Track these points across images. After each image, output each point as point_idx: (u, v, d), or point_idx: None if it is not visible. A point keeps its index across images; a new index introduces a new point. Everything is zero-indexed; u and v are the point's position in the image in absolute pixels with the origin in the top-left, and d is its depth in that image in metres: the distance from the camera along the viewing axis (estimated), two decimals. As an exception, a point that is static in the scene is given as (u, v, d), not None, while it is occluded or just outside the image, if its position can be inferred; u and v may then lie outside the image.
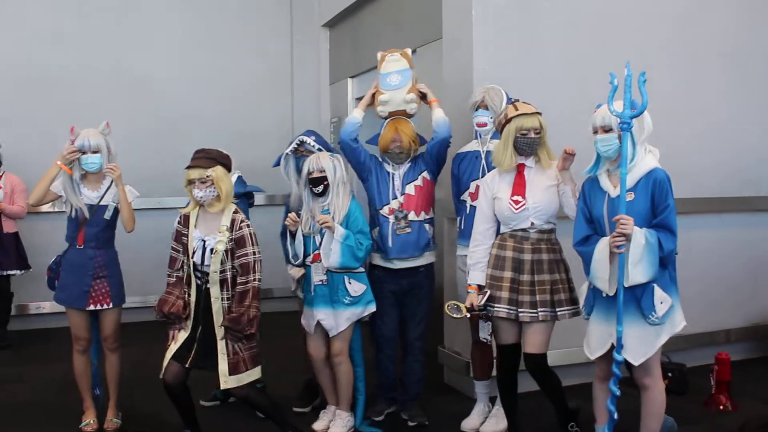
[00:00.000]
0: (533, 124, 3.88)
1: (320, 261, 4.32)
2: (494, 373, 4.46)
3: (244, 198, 4.80)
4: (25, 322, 7.19)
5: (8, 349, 6.59)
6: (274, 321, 6.13)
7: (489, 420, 4.51)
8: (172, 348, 3.98)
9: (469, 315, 4.02)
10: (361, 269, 4.40)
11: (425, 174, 4.56)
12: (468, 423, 4.52)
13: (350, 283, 4.34)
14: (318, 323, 4.37)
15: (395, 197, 4.52)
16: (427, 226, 4.54)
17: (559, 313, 3.92)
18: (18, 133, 7.15)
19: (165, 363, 3.97)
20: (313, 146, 4.62)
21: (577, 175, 3.94)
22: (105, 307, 4.41)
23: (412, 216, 4.49)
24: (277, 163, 4.78)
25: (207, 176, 3.92)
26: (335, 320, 4.34)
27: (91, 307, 4.38)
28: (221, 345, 3.93)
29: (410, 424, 4.60)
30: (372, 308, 4.43)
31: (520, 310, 3.89)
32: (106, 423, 4.52)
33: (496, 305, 3.93)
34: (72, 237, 4.42)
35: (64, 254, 4.45)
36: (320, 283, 4.35)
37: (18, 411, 4.91)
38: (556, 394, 4.00)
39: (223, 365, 3.91)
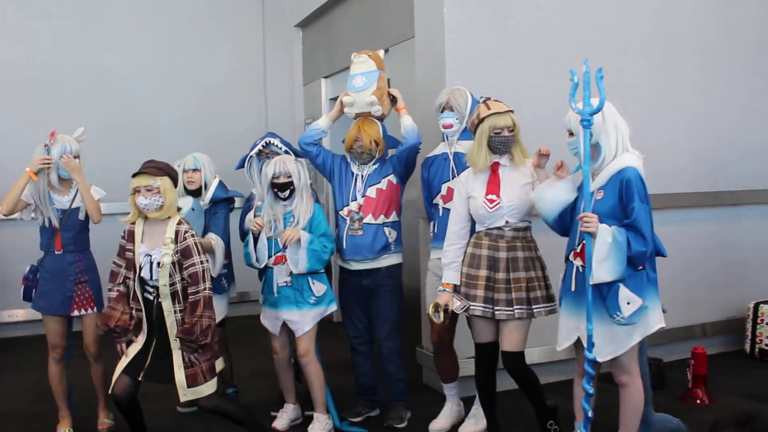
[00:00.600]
0: (506, 122, 3.87)
1: (284, 263, 4.36)
2: (467, 373, 4.49)
3: (225, 203, 4.75)
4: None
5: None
6: (252, 324, 6.07)
7: (468, 420, 4.50)
8: (123, 362, 3.95)
9: (448, 318, 4.02)
10: (321, 270, 4.45)
11: (391, 177, 4.55)
12: (436, 424, 4.52)
13: (314, 283, 4.40)
14: (283, 324, 4.41)
15: (354, 199, 4.53)
16: (386, 229, 4.52)
17: (535, 311, 3.91)
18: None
19: (115, 377, 3.94)
20: (280, 148, 4.67)
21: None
22: (89, 311, 4.43)
23: (369, 219, 4.49)
24: (240, 165, 4.80)
25: (154, 185, 3.88)
26: (302, 320, 4.38)
27: (76, 313, 4.39)
28: (177, 357, 3.89)
29: (384, 424, 4.59)
30: (333, 307, 4.49)
31: (496, 308, 3.88)
32: (100, 423, 4.51)
33: (472, 304, 3.92)
34: (48, 243, 4.39)
35: (41, 262, 4.41)
36: (285, 284, 4.38)
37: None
38: (534, 392, 3.99)
39: (180, 377, 3.88)
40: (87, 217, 4.45)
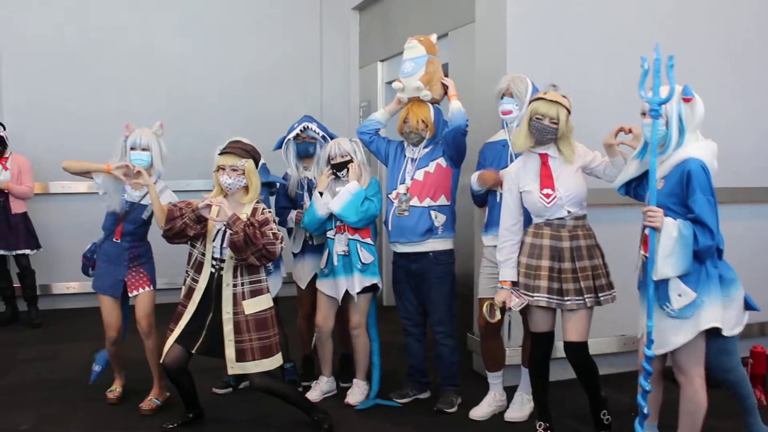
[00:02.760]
0: (549, 111, 3.81)
1: (342, 233, 4.59)
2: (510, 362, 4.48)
3: (265, 187, 4.80)
4: (48, 301, 7.26)
5: (39, 328, 6.68)
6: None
7: (512, 406, 4.50)
8: (175, 332, 4.02)
9: (508, 317, 4.02)
10: (370, 241, 4.64)
11: (440, 161, 4.55)
12: (477, 411, 4.52)
13: (361, 250, 4.61)
14: (327, 298, 4.67)
15: (403, 181, 4.56)
16: (433, 213, 4.52)
17: (602, 299, 3.88)
18: (31, 113, 7.27)
19: (166, 348, 4.02)
20: (317, 132, 4.82)
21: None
22: (143, 290, 4.55)
23: (414, 201, 4.51)
24: (278, 147, 4.92)
25: (239, 165, 3.94)
26: (352, 283, 4.61)
27: (133, 293, 4.54)
28: (228, 330, 3.95)
29: (434, 408, 4.59)
30: (375, 279, 4.66)
31: (566, 298, 3.84)
32: (145, 402, 4.58)
33: (534, 294, 3.88)
34: (109, 230, 4.55)
35: (101, 244, 4.58)
36: (343, 253, 4.58)
37: (54, 389, 5.00)
38: (592, 383, 3.97)
39: (230, 351, 3.96)
40: (150, 216, 4.57)
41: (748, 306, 3.56)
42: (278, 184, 4.91)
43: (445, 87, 4.57)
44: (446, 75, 4.64)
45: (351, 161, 4.60)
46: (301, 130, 4.82)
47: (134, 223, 4.54)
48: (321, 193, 4.60)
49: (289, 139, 4.87)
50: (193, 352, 4.03)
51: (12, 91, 7.29)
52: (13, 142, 6.73)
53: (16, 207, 6.62)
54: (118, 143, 4.52)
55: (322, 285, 4.74)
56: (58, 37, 7.38)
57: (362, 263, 4.59)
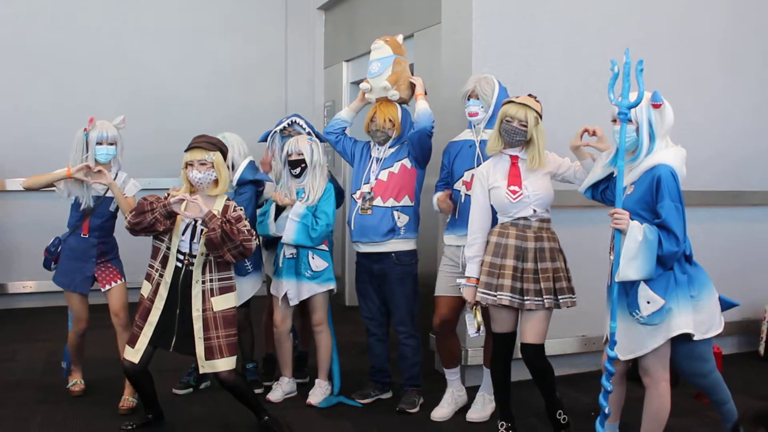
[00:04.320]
0: (518, 113, 3.85)
1: None
2: (472, 362, 4.50)
3: (252, 185, 4.75)
4: (4, 301, 7.14)
5: (-7, 328, 6.56)
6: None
7: (474, 406, 4.51)
8: (146, 332, 3.96)
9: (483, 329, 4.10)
10: (325, 248, 4.65)
11: (405, 161, 4.56)
12: (438, 412, 4.51)
13: (313, 258, 4.60)
14: (285, 295, 4.60)
15: (368, 181, 4.56)
16: (396, 213, 4.53)
17: (561, 301, 3.90)
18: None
19: (138, 348, 3.95)
20: (304, 128, 4.82)
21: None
22: (116, 284, 4.55)
23: (378, 201, 4.52)
24: (263, 139, 4.94)
25: (208, 159, 3.92)
26: (297, 291, 4.60)
27: (108, 287, 4.53)
28: (198, 328, 3.93)
29: (396, 409, 4.59)
30: (330, 285, 4.67)
31: (526, 298, 3.86)
32: (123, 402, 4.51)
33: (498, 293, 3.89)
34: (75, 225, 4.51)
35: (66, 239, 4.53)
36: (291, 256, 4.59)
37: (10, 391, 4.89)
38: (548, 385, 3.98)
39: (200, 348, 3.94)
40: (117, 208, 4.53)
41: (726, 305, 3.60)
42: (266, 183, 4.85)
43: (412, 86, 4.58)
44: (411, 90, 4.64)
45: (304, 161, 4.57)
46: (288, 124, 4.85)
47: (101, 218, 4.50)
48: (280, 209, 4.60)
49: (275, 132, 4.88)
50: (170, 350, 4.00)
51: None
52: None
53: (-28, 205, 6.49)
54: (77, 137, 4.45)
55: (273, 284, 4.75)
56: (18, 35, 7.25)
57: (312, 270, 4.59)
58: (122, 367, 4.05)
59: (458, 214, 4.38)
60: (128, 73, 7.55)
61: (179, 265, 3.97)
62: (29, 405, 4.62)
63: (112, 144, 4.43)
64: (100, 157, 4.40)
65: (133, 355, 3.97)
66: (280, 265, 4.63)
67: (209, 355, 3.93)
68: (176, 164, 4.15)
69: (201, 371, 3.99)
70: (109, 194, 4.47)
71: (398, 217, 4.53)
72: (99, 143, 4.40)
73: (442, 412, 4.51)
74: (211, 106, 7.72)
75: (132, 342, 4.00)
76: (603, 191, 3.77)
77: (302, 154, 4.57)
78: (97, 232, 4.51)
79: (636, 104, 3.41)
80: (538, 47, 5.11)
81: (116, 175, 4.49)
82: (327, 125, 4.85)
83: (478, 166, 4.27)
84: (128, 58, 7.57)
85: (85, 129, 4.42)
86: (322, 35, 8.18)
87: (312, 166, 4.58)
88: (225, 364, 3.96)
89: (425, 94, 4.56)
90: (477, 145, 4.36)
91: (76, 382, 4.78)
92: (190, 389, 4.85)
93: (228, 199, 4.06)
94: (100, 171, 4.35)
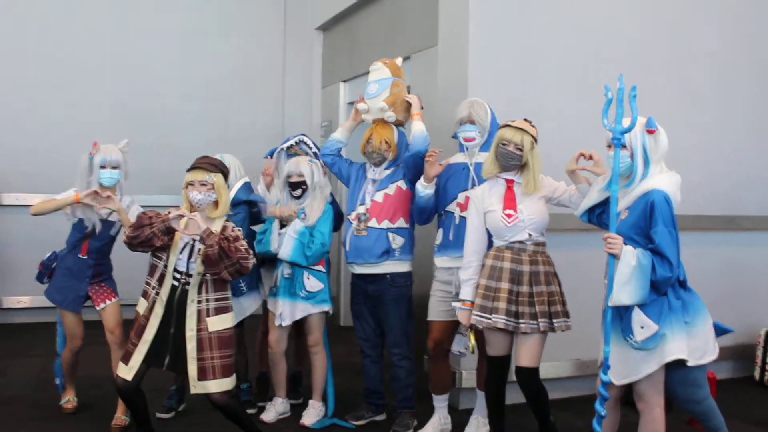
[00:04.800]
0: (514, 138, 3.88)
1: None
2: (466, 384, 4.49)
3: (245, 205, 4.75)
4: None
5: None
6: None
7: (467, 429, 4.49)
8: (141, 350, 3.93)
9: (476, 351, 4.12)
10: (321, 268, 4.65)
11: (400, 183, 4.57)
12: None
13: (308, 278, 4.60)
14: (281, 315, 4.60)
15: (363, 202, 4.57)
16: (390, 235, 4.53)
17: (555, 325, 3.91)
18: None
19: (133, 363, 3.92)
20: (310, 147, 4.88)
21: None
22: (109, 302, 4.57)
23: (373, 223, 4.52)
24: (271, 154, 4.97)
25: (208, 180, 3.93)
26: (291, 311, 4.60)
27: (102, 305, 4.55)
28: (191, 348, 3.90)
29: (390, 431, 4.56)
30: (324, 307, 4.66)
31: (521, 321, 3.86)
32: (115, 420, 4.50)
33: (493, 316, 3.89)
34: (74, 244, 4.52)
35: (63, 257, 4.56)
36: (287, 276, 4.59)
37: (2, 405, 4.88)
38: (542, 408, 3.98)
39: (192, 368, 3.90)
40: (117, 233, 4.57)
41: (721, 331, 3.60)
42: (261, 205, 4.84)
43: (409, 107, 4.60)
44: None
45: (305, 182, 4.59)
46: (295, 142, 4.88)
47: (101, 240, 4.53)
48: (282, 225, 4.58)
49: (282, 149, 4.90)
50: (164, 368, 3.97)
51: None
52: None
53: (-32, 219, 6.48)
54: (82, 161, 4.45)
55: (270, 303, 4.74)
56: (17, 50, 7.29)
57: (306, 291, 4.59)
58: (114, 385, 4.04)
59: (452, 235, 4.39)
60: (127, 89, 7.58)
61: (175, 283, 3.95)
62: (21, 421, 4.60)
63: (115, 168, 4.43)
64: (104, 180, 4.41)
65: (127, 372, 3.95)
66: (278, 283, 4.64)
67: (202, 375, 3.90)
68: (172, 181, 4.15)
69: (192, 391, 3.94)
70: (112, 218, 4.48)
71: (393, 239, 4.54)
72: (102, 167, 4.40)
73: None
74: (208, 124, 7.77)
75: (126, 359, 3.97)
76: (599, 215, 3.79)
77: (303, 175, 4.58)
78: (95, 254, 4.52)
79: (629, 130, 3.44)
80: (534, 71, 5.14)
81: (120, 198, 4.50)
82: (322, 147, 4.85)
83: (472, 188, 4.29)
84: (127, 75, 7.60)
85: (90, 153, 4.44)
86: (320, 55, 8.22)
87: (312, 187, 4.60)
88: (217, 386, 3.92)
89: (422, 111, 4.57)
90: (471, 167, 4.38)
91: (68, 399, 4.77)
92: (173, 413, 4.82)
93: (226, 220, 4.06)
94: (108, 197, 4.37)
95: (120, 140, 4.57)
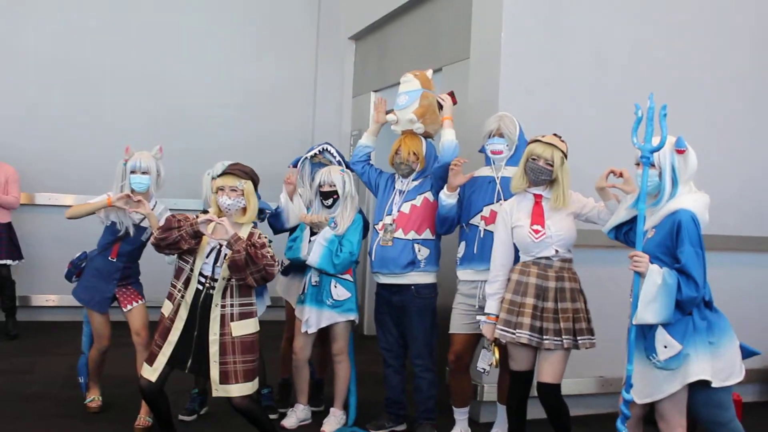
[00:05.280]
0: (545, 153, 3.89)
1: None
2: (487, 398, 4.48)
3: None
4: (27, 313, 7.20)
5: (16, 340, 6.63)
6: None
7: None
8: (165, 352, 3.97)
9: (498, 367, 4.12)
10: (349, 277, 4.66)
11: (428, 195, 4.59)
12: None
13: (335, 287, 4.62)
14: (307, 322, 4.63)
15: (390, 213, 4.59)
16: (416, 246, 4.55)
17: (579, 342, 3.90)
18: (22, 123, 7.30)
19: (157, 364, 3.96)
20: (334, 156, 4.88)
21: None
22: (135, 304, 4.63)
23: (399, 233, 4.54)
24: (295, 164, 4.98)
25: (239, 186, 3.98)
26: (317, 318, 4.62)
27: (129, 307, 4.62)
28: (213, 352, 3.94)
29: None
30: (351, 316, 4.67)
31: (545, 337, 3.86)
32: (138, 420, 4.55)
33: (517, 331, 3.89)
34: (105, 246, 4.61)
35: (93, 258, 4.63)
36: (314, 284, 4.61)
37: (29, 403, 4.95)
38: (563, 424, 3.97)
39: (214, 372, 3.93)
40: (148, 239, 4.58)
41: (748, 353, 3.57)
42: (267, 212, 4.88)
43: (437, 117, 4.60)
44: (439, 109, 4.68)
45: (336, 192, 4.63)
46: (319, 151, 4.91)
47: (132, 245, 4.61)
48: (312, 233, 4.60)
49: (306, 158, 4.94)
50: (186, 371, 4.02)
51: (4, 102, 7.30)
52: (1, 152, 6.71)
53: (1, 217, 6.59)
54: (118, 166, 4.56)
55: (297, 310, 4.77)
56: (54, 52, 7.43)
57: (333, 299, 4.61)
58: (138, 385, 4.09)
59: (476, 248, 4.39)
60: (159, 93, 7.70)
61: (200, 287, 4.00)
62: (46, 418, 4.66)
63: (145, 173, 4.51)
64: (135, 185, 4.50)
65: (151, 373, 3.99)
66: (305, 291, 4.68)
67: (224, 379, 3.94)
68: (200, 186, 4.18)
69: (214, 394, 3.99)
70: (144, 223, 4.55)
71: (419, 250, 4.55)
72: (133, 172, 4.50)
73: None
74: (238, 130, 7.85)
75: (150, 360, 4.02)
76: (626, 233, 3.77)
77: (334, 185, 4.62)
78: (125, 257, 4.61)
79: (658, 149, 3.43)
80: (565, 85, 5.15)
81: (154, 205, 4.58)
82: (352, 155, 4.89)
83: (497, 201, 4.30)
84: (160, 78, 7.72)
85: (125, 160, 4.53)
86: (352, 64, 8.27)
87: (344, 197, 4.63)
88: (239, 389, 3.95)
89: (452, 116, 4.58)
90: (497, 181, 4.38)
91: (93, 398, 4.83)
92: (195, 415, 4.85)
93: (253, 227, 4.10)
94: (139, 201, 4.44)
95: (153, 145, 4.65)
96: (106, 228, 4.61)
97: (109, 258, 4.58)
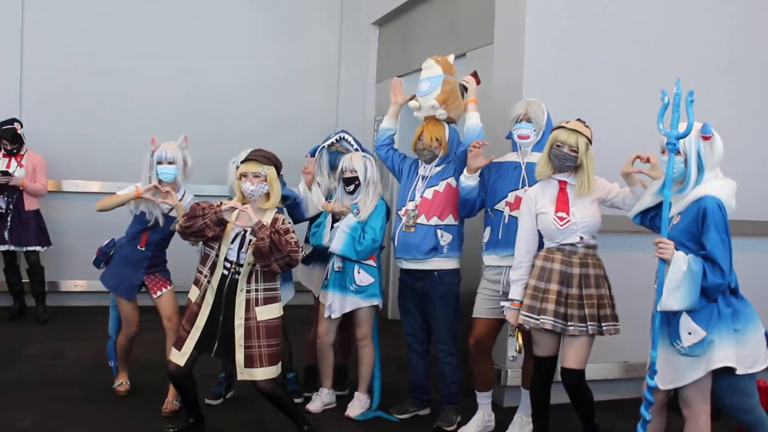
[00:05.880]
0: (569, 139, 3.87)
1: None
2: (511, 383, 4.52)
3: None
4: (56, 298, 7.29)
5: (46, 324, 6.73)
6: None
7: (511, 428, 4.49)
8: (193, 336, 4.03)
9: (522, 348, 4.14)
10: (372, 263, 4.70)
11: (451, 180, 4.59)
12: (465, 431, 4.52)
13: (359, 272, 4.66)
14: (331, 307, 4.68)
15: (413, 199, 4.60)
16: (439, 232, 4.55)
17: (604, 328, 3.90)
18: (50, 111, 7.36)
19: (185, 349, 4.02)
20: (351, 144, 4.91)
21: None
22: (165, 290, 4.70)
23: (422, 219, 4.55)
24: (312, 153, 5.00)
25: (261, 172, 4.01)
26: (341, 304, 4.67)
27: (159, 293, 4.67)
28: (238, 336, 3.99)
29: (434, 426, 4.60)
30: (374, 302, 4.72)
31: (569, 323, 3.87)
32: (166, 404, 4.63)
33: (541, 317, 3.90)
34: (134, 234, 4.67)
35: (122, 246, 4.70)
36: (338, 269, 4.66)
37: (58, 387, 5.03)
38: (587, 410, 3.98)
39: (239, 356, 4.00)
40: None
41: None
42: (292, 198, 4.90)
43: (460, 101, 4.60)
44: (462, 95, 4.67)
45: (357, 178, 4.65)
46: (336, 140, 4.93)
47: (161, 234, 4.66)
48: (335, 220, 4.66)
49: (323, 147, 4.96)
50: (212, 355, 4.08)
51: (33, 89, 7.36)
52: (29, 139, 6.80)
53: (29, 204, 6.68)
54: (145, 158, 4.62)
55: (321, 295, 4.82)
56: (80, 39, 7.47)
57: (356, 285, 4.64)
58: (167, 370, 4.14)
59: (501, 234, 4.38)
60: (184, 78, 7.73)
61: (225, 273, 4.05)
62: (76, 402, 4.75)
63: (171, 163, 4.56)
64: (162, 176, 4.55)
65: (179, 358, 4.05)
66: (329, 277, 4.72)
67: (249, 363, 3.99)
68: (224, 171, 4.23)
69: (239, 378, 4.05)
70: (173, 213, 4.60)
71: (441, 236, 4.55)
72: (159, 163, 4.55)
73: (469, 430, 4.51)
74: (263, 114, 7.87)
75: (178, 345, 4.07)
76: (652, 218, 3.76)
77: (356, 171, 4.64)
78: (153, 246, 4.66)
79: (684, 135, 3.40)
80: (590, 71, 5.11)
81: (183, 195, 4.63)
82: (376, 140, 4.92)
83: (522, 187, 4.30)
84: (185, 64, 7.75)
85: (152, 151, 4.58)
86: (375, 50, 8.26)
87: (366, 183, 4.66)
88: (264, 373, 4.01)
89: (477, 99, 4.59)
90: (523, 167, 4.37)
91: (122, 382, 4.91)
92: (221, 399, 4.91)
93: (277, 212, 4.13)
94: (168, 192, 4.49)
95: (178, 131, 4.70)
96: (135, 217, 4.67)
97: (138, 247, 4.63)
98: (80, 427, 4.37)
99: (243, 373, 4.02)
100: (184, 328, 4.10)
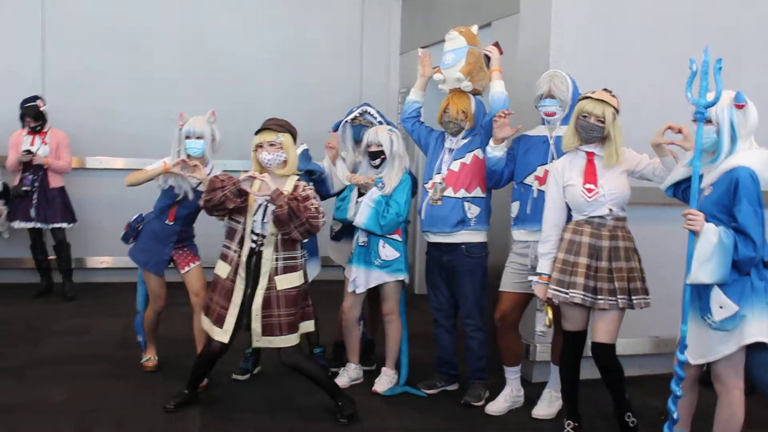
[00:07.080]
0: (595, 110, 3.78)
1: None
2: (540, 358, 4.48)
3: (305, 175, 4.77)
4: (82, 275, 7.33)
5: (73, 301, 6.77)
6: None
7: (540, 403, 4.47)
8: (233, 312, 4.03)
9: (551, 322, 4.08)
10: (398, 237, 4.64)
11: (477, 152, 4.53)
12: (493, 406, 4.49)
13: (384, 246, 4.62)
14: (355, 281, 4.66)
15: (439, 171, 4.55)
16: (466, 204, 4.50)
17: (634, 302, 3.84)
18: (72, 88, 7.34)
19: (227, 326, 4.02)
20: (375, 117, 4.86)
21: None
22: (193, 265, 4.71)
23: (449, 192, 4.50)
24: (336, 128, 4.97)
25: (277, 140, 3.99)
26: (366, 278, 4.63)
27: (186, 268, 4.69)
28: (256, 304, 4.01)
29: (461, 401, 4.58)
30: (400, 276, 4.67)
31: (599, 297, 3.81)
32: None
33: (570, 291, 3.84)
34: (162, 209, 4.67)
35: (150, 221, 4.70)
36: (363, 244, 4.62)
37: (87, 363, 5.07)
38: (617, 385, 3.93)
39: (256, 324, 4.01)
40: None
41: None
42: (318, 173, 4.86)
43: (487, 58, 4.53)
44: (487, 66, 4.59)
45: (383, 152, 4.59)
46: (359, 114, 4.88)
47: (189, 208, 4.65)
48: (360, 194, 4.62)
49: (346, 122, 4.92)
50: (243, 329, 4.09)
51: (55, 66, 7.37)
52: (52, 116, 6.80)
53: (54, 181, 6.70)
54: (174, 132, 4.61)
55: (346, 270, 4.80)
56: (102, 15, 7.44)
57: (381, 259, 4.61)
58: (208, 349, 4.15)
59: (530, 209, 4.32)
60: (207, 53, 7.69)
61: (253, 246, 4.05)
62: (104, 378, 4.78)
63: (199, 138, 4.55)
64: (191, 150, 4.55)
65: (223, 335, 4.07)
66: (353, 251, 4.70)
67: (268, 331, 4.01)
68: (248, 146, 4.20)
69: (254, 345, 4.08)
70: (201, 187, 4.56)
71: (469, 209, 4.50)
72: (188, 137, 4.55)
73: (497, 406, 4.48)
74: (285, 88, 7.80)
75: (219, 323, 4.08)
76: (684, 190, 3.67)
77: (381, 145, 4.58)
78: (182, 221, 4.67)
79: (713, 104, 3.31)
80: (618, 39, 4.99)
81: (211, 170, 4.61)
82: (402, 111, 4.85)
83: (551, 161, 4.22)
84: (208, 39, 7.70)
85: (181, 125, 4.58)
86: (399, 21, 8.15)
87: (391, 157, 4.59)
88: (283, 341, 4.03)
89: (500, 67, 4.50)
90: (551, 141, 4.29)
91: (149, 357, 4.94)
92: (248, 375, 4.92)
93: (298, 179, 4.11)
94: (196, 166, 4.48)
95: (202, 106, 4.70)
96: (164, 192, 4.66)
97: (167, 221, 4.64)
98: (111, 401, 4.40)
99: (260, 341, 4.04)
100: (221, 306, 4.09)
